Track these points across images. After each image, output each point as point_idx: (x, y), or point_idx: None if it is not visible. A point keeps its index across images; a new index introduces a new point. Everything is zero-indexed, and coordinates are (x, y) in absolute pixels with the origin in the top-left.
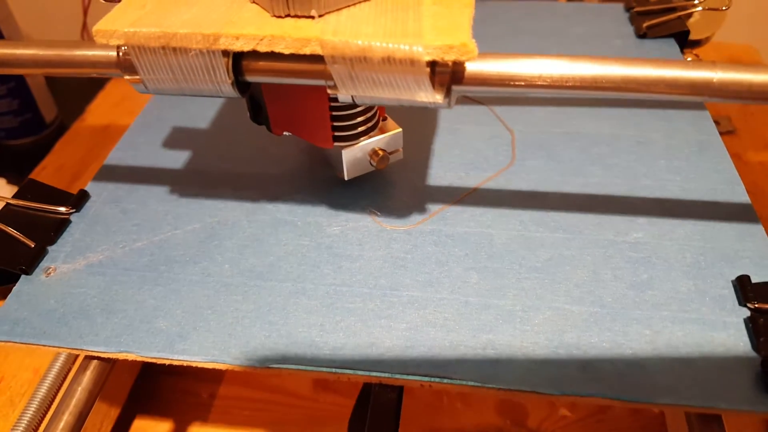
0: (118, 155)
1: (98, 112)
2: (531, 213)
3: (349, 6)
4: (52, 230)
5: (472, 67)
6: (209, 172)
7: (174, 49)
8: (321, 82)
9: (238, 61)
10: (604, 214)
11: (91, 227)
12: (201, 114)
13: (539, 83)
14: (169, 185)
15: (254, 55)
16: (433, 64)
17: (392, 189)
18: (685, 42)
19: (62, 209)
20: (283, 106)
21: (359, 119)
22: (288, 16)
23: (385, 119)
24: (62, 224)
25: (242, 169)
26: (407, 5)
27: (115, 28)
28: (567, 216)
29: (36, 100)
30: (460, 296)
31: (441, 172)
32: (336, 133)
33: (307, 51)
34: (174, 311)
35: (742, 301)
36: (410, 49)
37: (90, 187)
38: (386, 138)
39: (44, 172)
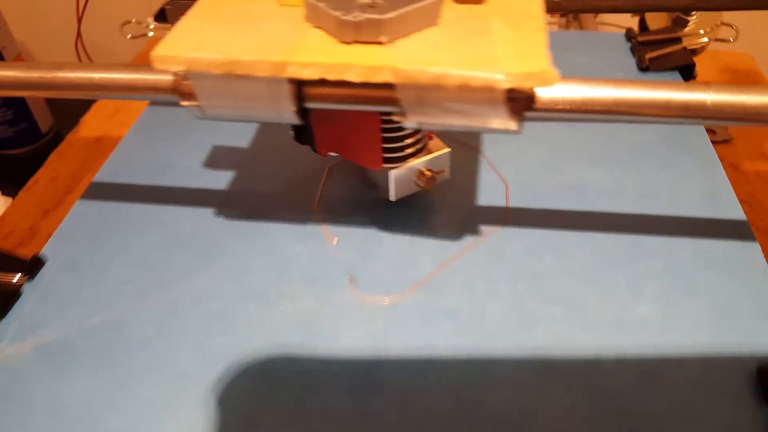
0: (82, 209)
1: (92, 123)
2: (527, 282)
3: (417, 31)
4: (0, 303)
5: (546, 92)
6: (176, 230)
7: (238, 77)
8: (387, 109)
9: (300, 87)
10: (606, 281)
11: (43, 299)
12: (173, 152)
13: (614, 109)
14: (132, 246)
15: (320, 81)
16: (509, 91)
17: (375, 249)
18: (690, 75)
19: (13, 278)
20: (331, 128)
21: (408, 141)
22: (356, 42)
23: (431, 139)
24: (12, 296)
25: (214, 229)
26: (477, 30)
27: (175, 54)
28: (566, 285)
29: (31, 110)
30: (446, 392)
31: (429, 230)
32: (385, 155)
33: (378, 79)
34: (128, 410)
35: (763, 396)
36: (489, 76)
37: (48, 247)
38: (433, 158)
39: (36, 186)
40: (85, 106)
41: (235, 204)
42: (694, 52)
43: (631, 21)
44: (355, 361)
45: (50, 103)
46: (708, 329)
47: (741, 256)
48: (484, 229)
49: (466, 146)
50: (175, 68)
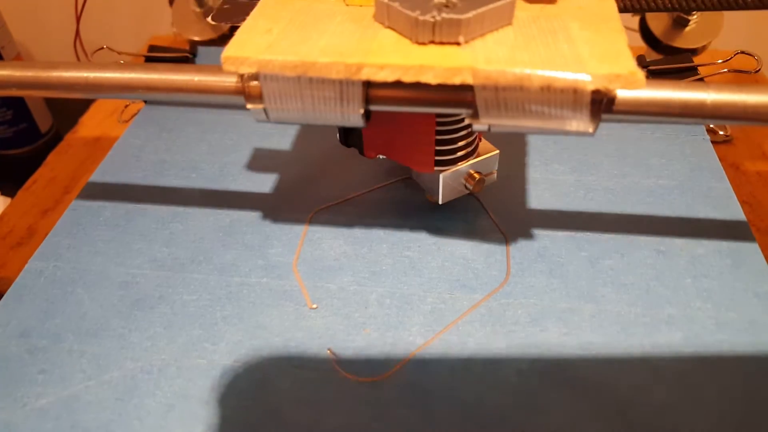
0: (36, 264)
1: (91, 123)
2: (532, 359)
3: (492, 31)
4: None
5: (625, 93)
6: (138, 291)
7: (310, 79)
8: (459, 111)
9: (368, 89)
10: (620, 357)
11: None
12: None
13: (695, 112)
14: (87, 313)
15: (392, 83)
16: (593, 93)
17: (358, 316)
18: None
19: None
20: (382, 130)
21: (461, 143)
22: (432, 43)
23: (480, 141)
24: None
25: (179, 290)
26: (554, 29)
27: (246, 55)
28: (575, 363)
29: (31, 110)
30: None
31: (419, 292)
32: (437, 158)
33: (457, 81)
34: None
35: None
36: (575, 77)
37: None
38: (482, 160)
39: (35, 186)
40: (84, 105)
41: (204, 261)
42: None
43: (631, 21)
44: None
45: (49, 103)
46: (709, 329)
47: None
48: (482, 290)
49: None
50: (245, 70)
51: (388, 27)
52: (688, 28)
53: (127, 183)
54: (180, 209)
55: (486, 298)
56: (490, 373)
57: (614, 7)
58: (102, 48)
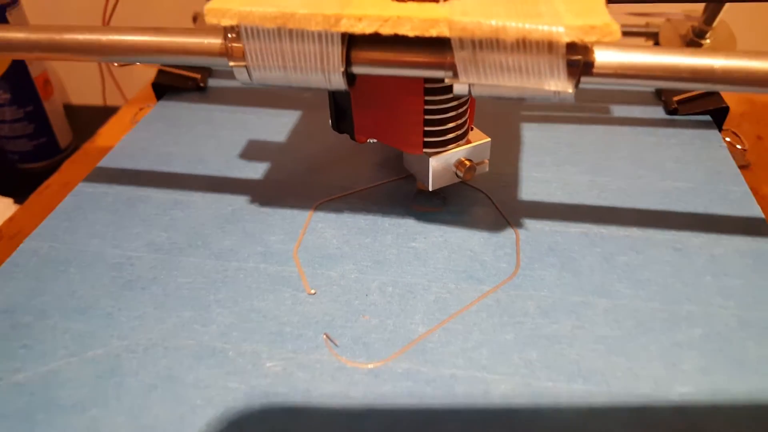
0: (31, 244)
1: (109, 134)
2: (541, 350)
3: None
4: None
5: (604, 56)
6: (132, 272)
7: (290, 32)
8: (439, 74)
9: (349, 51)
10: (636, 352)
11: None
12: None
13: (668, 74)
14: (76, 291)
15: (368, 43)
16: (567, 49)
17: (358, 303)
18: (723, 120)
19: None
20: (371, 111)
21: (450, 125)
22: None
23: (472, 129)
24: None
25: (171, 271)
26: None
27: (228, 7)
28: (588, 357)
29: (52, 125)
30: None
31: (423, 282)
32: (426, 139)
33: (433, 32)
34: None
35: None
36: (549, 29)
37: None
38: (473, 147)
39: (48, 191)
40: (104, 119)
41: (201, 246)
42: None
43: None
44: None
45: (71, 118)
46: (731, 327)
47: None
48: (490, 282)
49: (470, 186)
50: (226, 22)
51: None
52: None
53: (131, 171)
54: (182, 197)
55: (494, 289)
56: (496, 364)
57: None
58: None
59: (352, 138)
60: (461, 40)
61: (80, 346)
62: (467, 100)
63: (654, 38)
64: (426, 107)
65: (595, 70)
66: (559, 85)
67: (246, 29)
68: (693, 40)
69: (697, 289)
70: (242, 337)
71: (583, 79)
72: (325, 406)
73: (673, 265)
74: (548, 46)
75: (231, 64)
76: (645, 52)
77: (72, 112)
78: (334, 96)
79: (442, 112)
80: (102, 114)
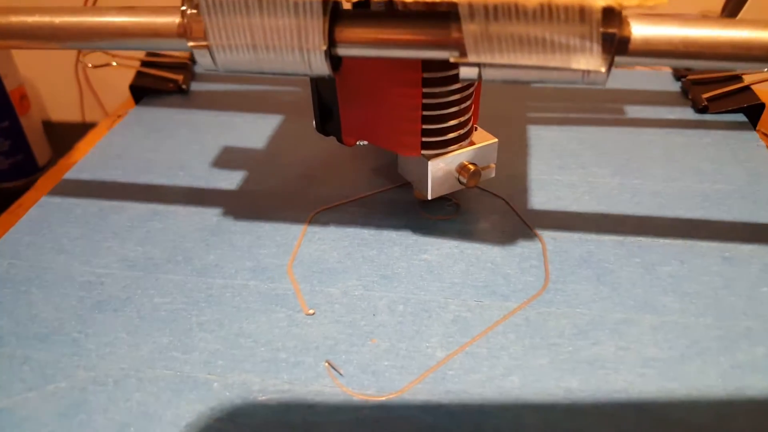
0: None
1: (87, 149)
2: (583, 377)
3: None
4: None
5: (644, 30)
6: (103, 289)
7: (259, 2)
8: (442, 54)
9: (332, 27)
10: (692, 376)
11: None
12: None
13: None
14: (38, 315)
15: (355, 18)
16: (604, 18)
17: (364, 324)
18: (758, 117)
19: None
20: (360, 109)
21: (452, 122)
22: None
23: (476, 129)
24: None
25: (151, 293)
26: None
27: None
28: (638, 383)
29: (29, 141)
30: None
31: (439, 299)
32: (425, 139)
33: None
34: None
35: None
36: None
37: None
38: (478, 149)
39: (20, 210)
40: (82, 135)
41: (182, 261)
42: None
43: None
44: None
45: (49, 135)
46: None
47: None
48: (516, 299)
49: (487, 191)
50: None
51: None
52: None
53: (104, 180)
54: (161, 207)
55: (522, 306)
56: (531, 394)
57: None
58: (95, 51)
59: (339, 140)
60: (471, 9)
61: (40, 379)
62: (471, 93)
63: None
64: (424, 101)
65: (632, 47)
66: (591, 62)
67: (206, 1)
68: None
69: (754, 303)
70: (229, 365)
71: (617, 59)
72: None
73: (724, 276)
74: (579, 14)
75: (190, 44)
76: (697, 25)
77: (51, 129)
78: (318, 91)
79: (442, 107)
80: (82, 130)
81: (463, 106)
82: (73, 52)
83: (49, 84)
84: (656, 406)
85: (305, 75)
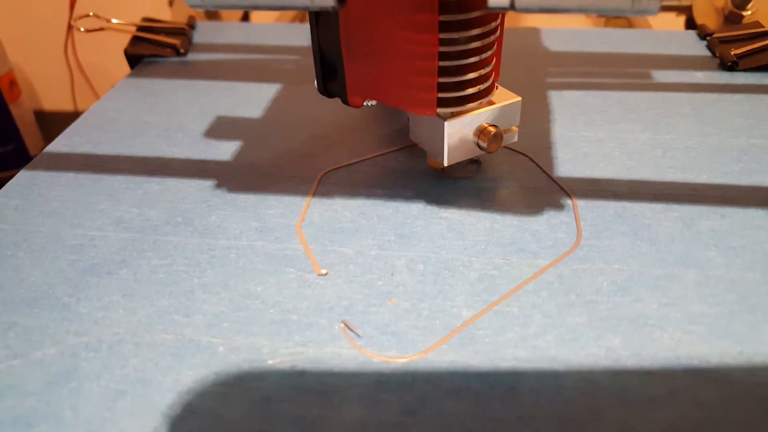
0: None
1: None
2: (626, 335)
3: None
4: None
5: None
6: (95, 255)
7: None
8: None
9: None
10: (744, 332)
11: None
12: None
13: None
14: (25, 279)
15: None
16: None
17: (381, 284)
18: None
19: None
20: (367, 63)
21: (471, 75)
22: None
23: (497, 88)
24: None
25: (149, 255)
26: None
27: None
28: (686, 341)
29: (20, 130)
30: None
31: (462, 257)
32: (440, 95)
33: None
34: None
35: None
36: None
37: None
38: (500, 109)
39: None
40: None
41: (182, 222)
42: None
43: (676, 22)
44: None
45: (42, 125)
46: None
47: None
48: (548, 255)
49: (511, 149)
50: None
51: None
52: (744, 21)
53: (98, 143)
54: (158, 169)
55: (554, 262)
56: (570, 353)
57: None
58: (88, 15)
59: (345, 101)
60: None
61: (27, 345)
62: (494, 42)
63: (687, 12)
64: (441, 49)
65: None
66: None
67: None
68: (733, 12)
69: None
70: (235, 328)
71: None
72: (348, 413)
73: None
74: None
75: None
76: None
77: (44, 118)
78: (320, 45)
79: (461, 56)
80: (74, 120)
81: (484, 56)
82: (62, 34)
83: (39, 71)
84: (709, 365)
85: (305, 8)
